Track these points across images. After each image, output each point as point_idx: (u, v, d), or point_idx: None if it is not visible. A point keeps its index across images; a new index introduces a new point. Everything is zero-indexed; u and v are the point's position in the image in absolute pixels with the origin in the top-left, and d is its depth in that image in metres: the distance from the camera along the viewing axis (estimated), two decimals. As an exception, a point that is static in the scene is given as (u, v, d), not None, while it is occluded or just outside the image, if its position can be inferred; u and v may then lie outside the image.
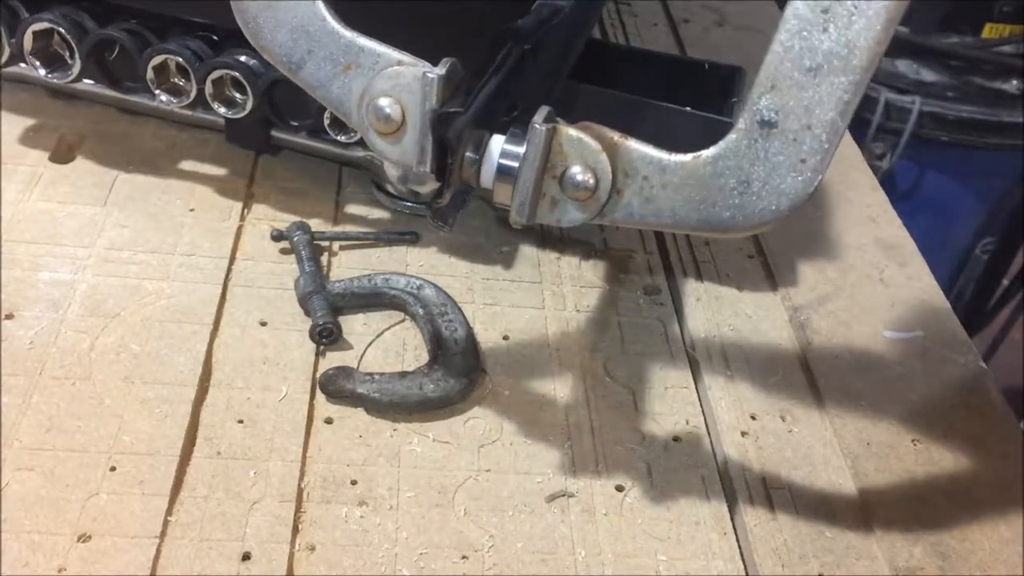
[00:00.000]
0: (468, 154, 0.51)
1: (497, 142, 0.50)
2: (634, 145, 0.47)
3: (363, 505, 0.62)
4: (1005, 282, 1.97)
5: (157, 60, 0.78)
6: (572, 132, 0.48)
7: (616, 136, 0.48)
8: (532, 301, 0.79)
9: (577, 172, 0.48)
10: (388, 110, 0.49)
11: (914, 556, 0.64)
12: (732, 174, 0.46)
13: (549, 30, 0.66)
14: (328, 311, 0.72)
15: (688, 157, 0.47)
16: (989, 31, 1.65)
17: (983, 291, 1.94)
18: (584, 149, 0.48)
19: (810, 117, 0.43)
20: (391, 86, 0.49)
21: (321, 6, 0.50)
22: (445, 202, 0.52)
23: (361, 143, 0.81)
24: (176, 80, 0.80)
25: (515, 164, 0.49)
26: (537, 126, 0.48)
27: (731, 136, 0.45)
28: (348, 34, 0.50)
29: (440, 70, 0.49)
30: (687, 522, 0.64)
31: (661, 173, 0.47)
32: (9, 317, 0.69)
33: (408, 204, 0.85)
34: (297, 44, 0.51)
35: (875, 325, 0.82)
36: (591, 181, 0.48)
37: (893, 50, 1.68)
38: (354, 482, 0.63)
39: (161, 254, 0.77)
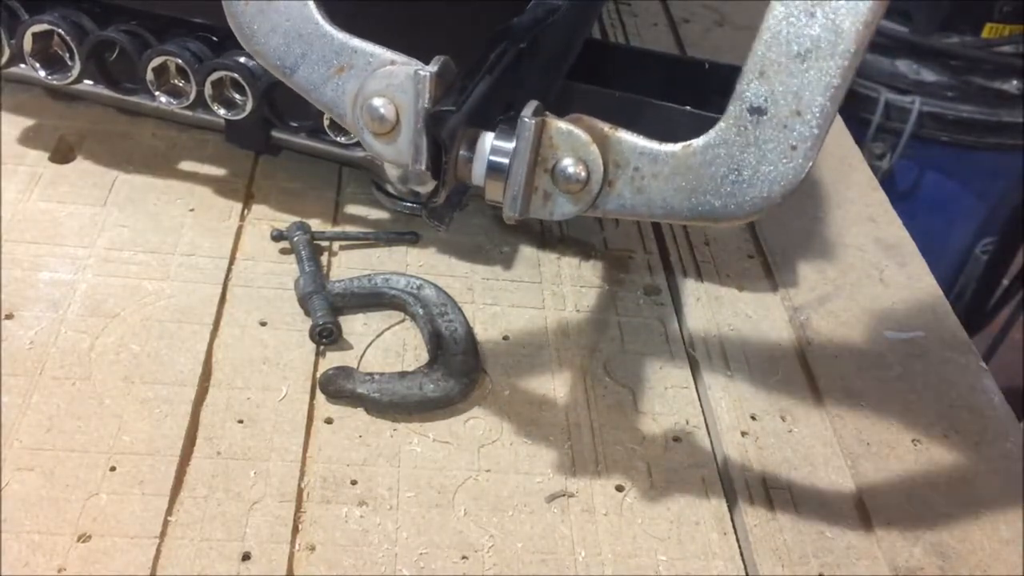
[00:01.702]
0: (463, 152, 0.51)
1: (488, 139, 0.50)
2: (625, 136, 0.47)
3: (363, 505, 0.62)
4: (1005, 282, 1.97)
5: (157, 61, 0.78)
6: (562, 125, 0.48)
7: (607, 128, 0.47)
8: (532, 301, 0.79)
9: (568, 164, 0.48)
10: (382, 110, 0.49)
11: (914, 556, 0.64)
12: (723, 162, 0.46)
13: (545, 29, 0.66)
14: (328, 311, 0.72)
15: (678, 147, 0.46)
16: (989, 31, 1.65)
17: (983, 291, 1.94)
18: (575, 141, 0.47)
19: (799, 103, 0.43)
20: (384, 86, 0.49)
21: (313, 9, 0.50)
22: (441, 201, 0.52)
23: (360, 143, 0.81)
24: (176, 81, 0.80)
25: (505, 160, 0.49)
26: (526, 119, 0.47)
27: (721, 124, 0.45)
28: (341, 36, 0.50)
29: (432, 67, 0.49)
30: (687, 522, 0.64)
31: (652, 163, 0.47)
32: (9, 317, 0.69)
33: (408, 204, 0.85)
34: (291, 48, 0.51)
35: (875, 325, 0.82)
36: (583, 173, 0.48)
37: (893, 50, 1.68)
38: (354, 482, 0.63)
39: (161, 254, 0.77)
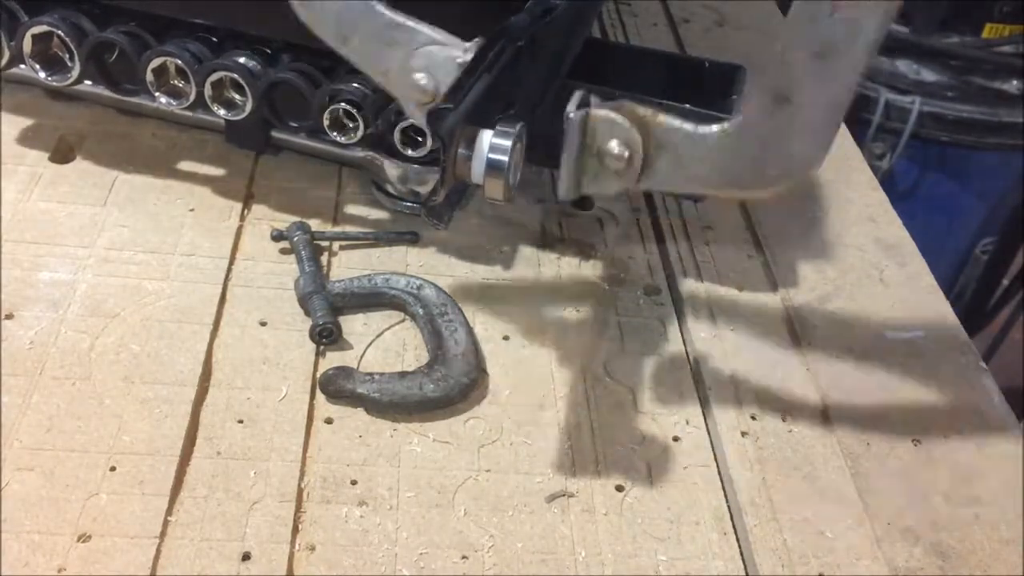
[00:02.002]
0: (462, 151, 0.51)
1: (486, 137, 0.51)
2: (665, 119, 0.52)
3: (363, 505, 0.62)
4: (1005, 282, 1.97)
5: (156, 62, 0.78)
6: (603, 112, 0.52)
7: (649, 112, 0.52)
8: (532, 301, 0.79)
9: (613, 147, 0.52)
10: (424, 82, 0.56)
11: (914, 556, 0.64)
12: (752, 144, 0.51)
13: (544, 28, 0.66)
14: (328, 311, 0.72)
15: (714, 128, 0.51)
16: (989, 31, 1.65)
17: (983, 291, 1.94)
18: (616, 127, 0.52)
19: (819, 94, 0.48)
20: (425, 64, 0.57)
21: None
22: (440, 199, 0.52)
23: (361, 143, 0.81)
24: (175, 82, 0.80)
25: (504, 158, 0.51)
26: (571, 115, 0.51)
27: (751, 110, 0.50)
28: (388, 12, 0.57)
29: (472, 48, 0.56)
30: (687, 522, 0.64)
31: (690, 144, 0.52)
32: (9, 317, 0.69)
33: (408, 204, 0.85)
34: (343, 20, 0.58)
35: (875, 325, 0.82)
36: (626, 154, 0.52)
37: (893, 50, 1.68)
38: (354, 482, 0.63)
39: (161, 254, 0.77)
